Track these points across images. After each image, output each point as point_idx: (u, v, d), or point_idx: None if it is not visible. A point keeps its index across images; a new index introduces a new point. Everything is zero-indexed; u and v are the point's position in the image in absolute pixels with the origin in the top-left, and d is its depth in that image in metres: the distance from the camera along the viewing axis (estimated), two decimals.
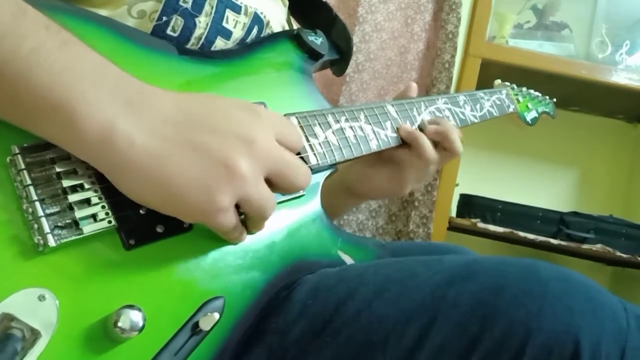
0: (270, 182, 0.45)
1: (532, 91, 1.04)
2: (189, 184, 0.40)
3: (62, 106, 0.38)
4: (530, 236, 1.49)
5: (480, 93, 0.88)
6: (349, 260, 0.56)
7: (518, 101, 0.98)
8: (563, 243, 1.51)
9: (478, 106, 0.85)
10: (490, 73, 1.37)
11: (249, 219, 0.46)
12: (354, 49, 1.47)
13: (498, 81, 1.02)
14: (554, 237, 1.52)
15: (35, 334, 0.36)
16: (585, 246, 1.51)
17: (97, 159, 0.40)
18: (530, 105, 1.02)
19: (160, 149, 0.40)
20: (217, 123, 0.43)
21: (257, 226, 0.47)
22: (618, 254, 1.49)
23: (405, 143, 0.69)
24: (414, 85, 0.77)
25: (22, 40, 0.37)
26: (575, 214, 1.63)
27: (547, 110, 1.07)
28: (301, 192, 0.56)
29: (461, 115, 0.80)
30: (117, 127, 0.39)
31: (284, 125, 0.48)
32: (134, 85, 0.42)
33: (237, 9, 0.60)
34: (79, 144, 0.39)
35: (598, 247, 1.50)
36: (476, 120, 0.83)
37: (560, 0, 1.79)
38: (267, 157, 0.43)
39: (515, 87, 1.00)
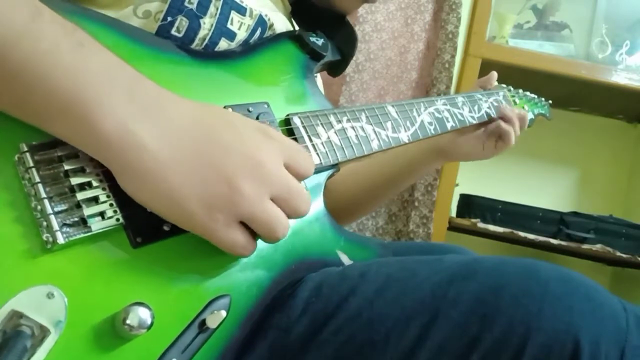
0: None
1: (528, 93, 1.05)
2: (191, 196, 0.41)
3: (76, 108, 0.38)
4: (530, 236, 1.49)
5: (478, 94, 0.88)
6: (345, 259, 0.57)
7: (515, 103, 0.99)
8: (563, 243, 1.51)
9: (476, 107, 0.86)
10: None
11: (261, 237, 0.46)
12: None
13: (495, 83, 1.02)
14: (554, 237, 1.52)
15: (44, 331, 0.36)
16: (585, 246, 1.51)
17: (106, 159, 0.40)
18: (526, 107, 1.02)
19: (170, 158, 0.40)
20: (229, 141, 0.43)
21: (274, 241, 0.47)
22: (618, 254, 1.50)
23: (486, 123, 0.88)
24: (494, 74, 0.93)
25: (38, 41, 0.37)
26: (575, 214, 1.63)
27: (543, 112, 1.08)
28: None
29: (460, 117, 0.81)
30: (131, 131, 0.39)
31: (295, 151, 0.48)
32: (150, 89, 0.42)
33: (242, 11, 0.60)
34: (91, 145, 0.40)
35: (598, 247, 1.51)
36: (474, 122, 0.84)
37: (560, 0, 1.79)
38: (271, 183, 0.44)
39: (512, 89, 1.00)
